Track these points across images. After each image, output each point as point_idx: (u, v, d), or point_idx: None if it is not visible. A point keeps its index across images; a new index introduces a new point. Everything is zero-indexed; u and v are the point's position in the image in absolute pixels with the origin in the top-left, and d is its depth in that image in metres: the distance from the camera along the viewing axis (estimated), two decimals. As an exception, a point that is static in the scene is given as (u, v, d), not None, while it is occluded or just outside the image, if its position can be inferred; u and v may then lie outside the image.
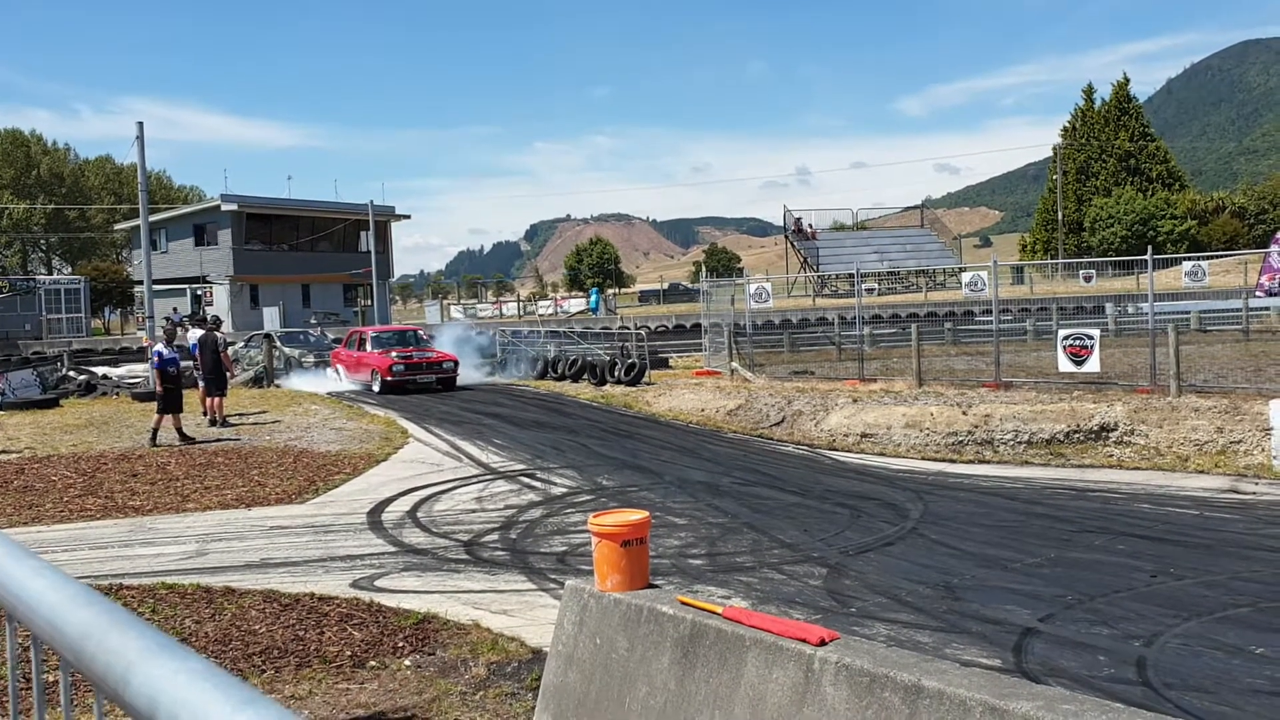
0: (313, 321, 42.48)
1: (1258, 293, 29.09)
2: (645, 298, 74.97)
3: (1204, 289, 29.86)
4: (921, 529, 8.68)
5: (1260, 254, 34.01)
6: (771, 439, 14.52)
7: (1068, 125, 78.73)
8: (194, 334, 19.84)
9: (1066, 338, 15.52)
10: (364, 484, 11.58)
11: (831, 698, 3.36)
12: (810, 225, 61.55)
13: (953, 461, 12.33)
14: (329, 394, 21.84)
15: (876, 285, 51.68)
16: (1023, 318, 29.99)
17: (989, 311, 22.10)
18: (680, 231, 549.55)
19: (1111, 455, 11.97)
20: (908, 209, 78.44)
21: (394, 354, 22.20)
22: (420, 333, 26.05)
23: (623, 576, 4.33)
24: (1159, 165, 74.57)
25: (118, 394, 22.73)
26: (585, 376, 22.63)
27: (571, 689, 4.43)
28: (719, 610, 3.97)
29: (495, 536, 8.83)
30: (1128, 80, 77.83)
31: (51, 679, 4.11)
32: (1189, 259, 30.44)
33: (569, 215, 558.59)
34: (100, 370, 26.41)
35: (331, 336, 30.70)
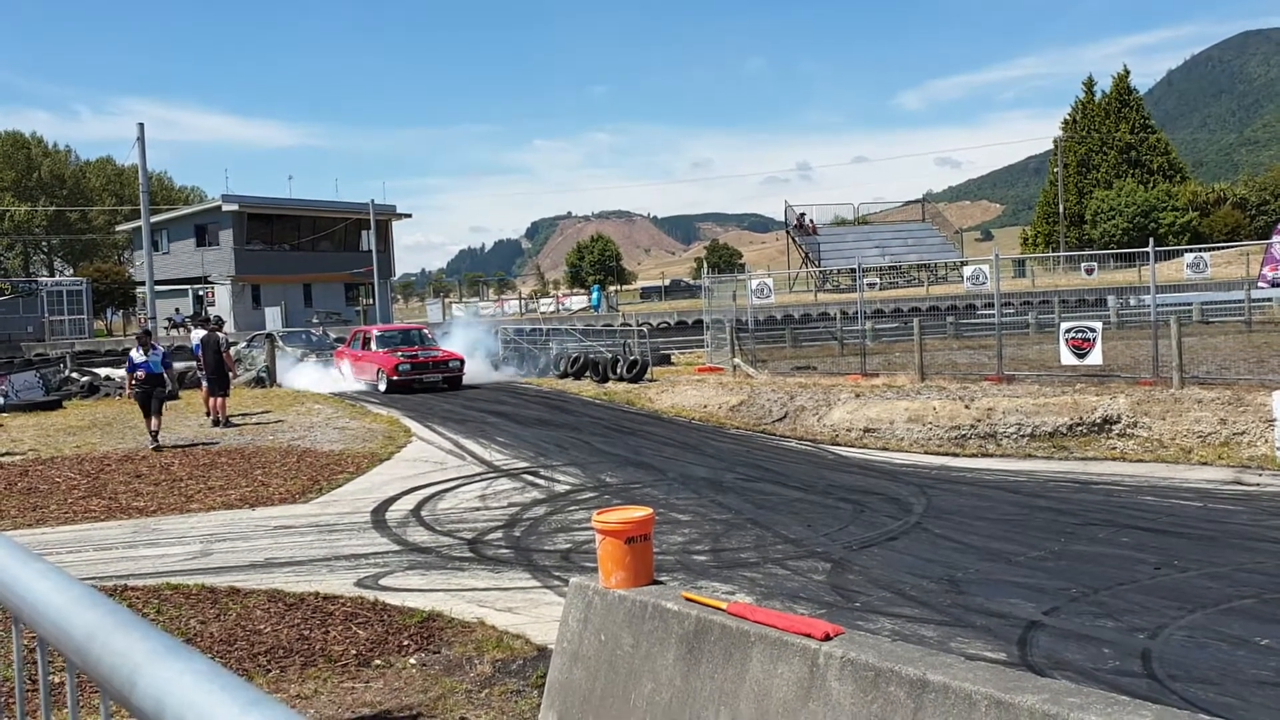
0: (314, 321, 42.41)
1: (1260, 284, 29.08)
2: (647, 294, 75.09)
3: (1206, 281, 29.73)
4: (925, 523, 8.69)
5: (1262, 245, 33.96)
6: (774, 434, 14.52)
7: (1068, 118, 78.80)
8: (196, 334, 19.83)
9: (1069, 330, 15.50)
10: (367, 483, 11.59)
11: (837, 692, 3.37)
12: (811, 220, 61.53)
13: (956, 455, 12.33)
14: (332, 393, 21.86)
15: (878, 280, 51.65)
16: (1025, 311, 29.91)
17: (991, 305, 22.08)
18: (681, 228, 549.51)
19: (1115, 448, 11.96)
20: (909, 203, 78.39)
21: (400, 353, 22.20)
22: (425, 331, 25.97)
23: (627, 573, 4.34)
24: (1160, 157, 74.58)
25: (120, 395, 22.74)
26: (588, 374, 22.62)
27: (577, 686, 4.43)
28: (723, 606, 3.97)
29: (499, 534, 8.84)
30: (1128, 72, 77.88)
31: (57, 680, 4.12)
32: (1191, 251, 30.29)
33: (570, 213, 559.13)
34: (103, 371, 26.37)
35: (333, 336, 30.70)
